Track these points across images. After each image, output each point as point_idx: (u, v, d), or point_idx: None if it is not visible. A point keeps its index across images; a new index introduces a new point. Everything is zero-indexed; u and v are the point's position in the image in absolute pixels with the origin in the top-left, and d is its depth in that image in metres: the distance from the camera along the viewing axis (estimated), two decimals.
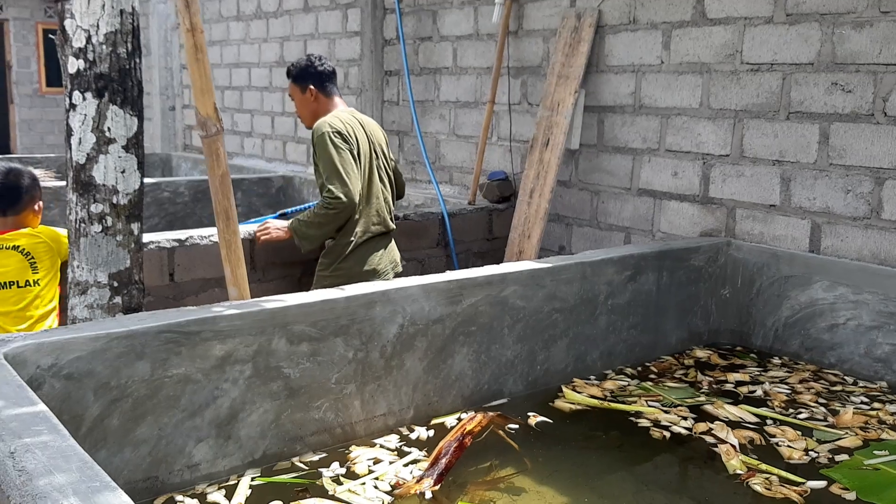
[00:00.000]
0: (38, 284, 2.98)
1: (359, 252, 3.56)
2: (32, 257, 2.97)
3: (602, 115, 4.44)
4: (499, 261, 4.61)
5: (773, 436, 2.82)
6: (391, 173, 3.79)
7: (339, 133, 3.46)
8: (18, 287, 2.94)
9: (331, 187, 3.40)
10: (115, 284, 2.52)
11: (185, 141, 8.99)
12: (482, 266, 3.16)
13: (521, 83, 4.92)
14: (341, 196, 3.39)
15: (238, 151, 7.91)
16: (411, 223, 4.41)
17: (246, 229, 3.60)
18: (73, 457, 1.46)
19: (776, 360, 3.57)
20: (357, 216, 3.53)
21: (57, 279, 3.05)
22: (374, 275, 3.57)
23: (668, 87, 4.10)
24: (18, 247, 2.96)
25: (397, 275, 3.73)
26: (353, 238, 3.53)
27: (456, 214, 4.64)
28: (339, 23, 6.41)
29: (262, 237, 3.58)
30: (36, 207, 3.12)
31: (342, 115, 3.59)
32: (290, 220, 3.54)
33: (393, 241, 3.78)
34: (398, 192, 3.93)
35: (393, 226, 3.75)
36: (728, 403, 3.06)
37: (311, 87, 3.66)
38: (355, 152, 3.50)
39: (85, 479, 1.38)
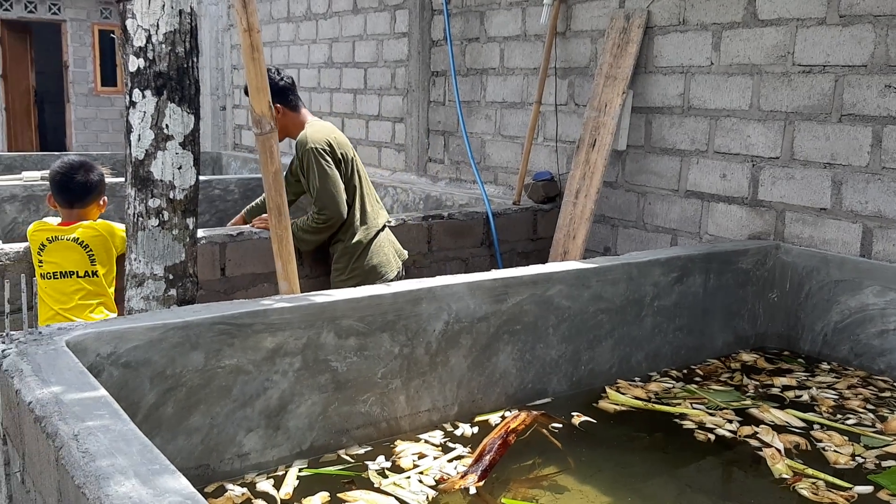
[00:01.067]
0: (97, 276, 3.08)
1: (368, 250, 3.70)
2: (90, 249, 3.07)
3: (650, 116, 4.42)
4: (543, 261, 4.62)
5: (820, 440, 2.79)
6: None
7: (325, 148, 3.57)
8: (78, 277, 3.05)
9: (320, 206, 3.57)
10: (171, 277, 2.59)
11: (235, 140, 9.15)
12: (526, 266, 3.17)
13: (568, 84, 4.92)
14: (330, 215, 3.57)
15: (285, 150, 8.02)
16: (456, 222, 4.44)
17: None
18: (134, 440, 1.51)
19: (824, 366, 3.52)
20: (359, 220, 3.68)
21: (113, 272, 3.14)
22: (386, 266, 3.75)
23: (717, 89, 4.06)
24: (78, 239, 3.07)
25: (404, 261, 3.91)
26: (361, 239, 3.67)
27: (501, 214, 4.66)
28: (388, 24, 6.47)
29: (259, 226, 3.73)
30: (101, 202, 3.23)
31: (322, 125, 3.70)
32: (292, 223, 3.63)
33: (388, 230, 3.90)
34: None
35: (386, 215, 3.90)
36: (774, 407, 3.03)
37: (277, 104, 3.62)
38: (343, 162, 3.64)
39: (145, 461, 1.43)
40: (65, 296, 3.04)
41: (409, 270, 4.22)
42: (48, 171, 4.75)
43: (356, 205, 3.69)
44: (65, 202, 3.16)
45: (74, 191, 3.15)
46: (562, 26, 4.91)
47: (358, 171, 3.73)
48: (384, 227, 3.84)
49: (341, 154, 3.64)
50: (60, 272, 3.04)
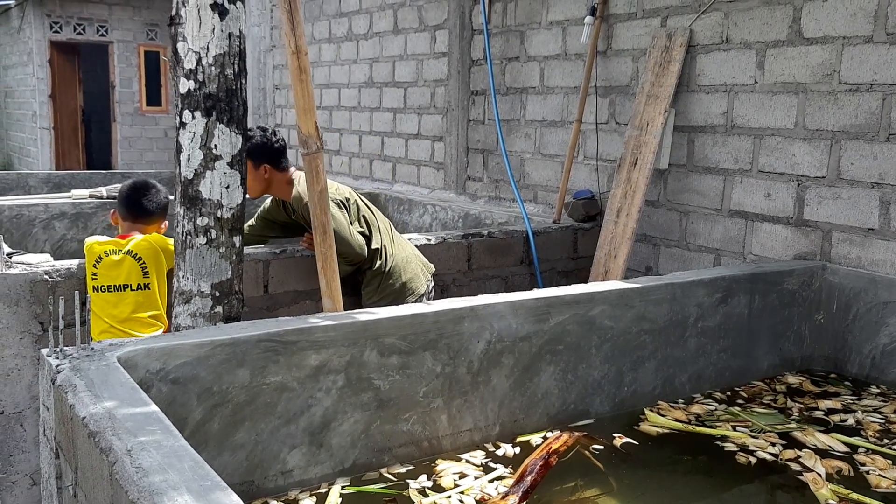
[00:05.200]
0: (149, 288, 3.15)
1: (396, 268, 3.73)
2: (144, 262, 3.15)
3: (692, 134, 4.39)
4: (583, 280, 4.60)
5: (863, 464, 2.73)
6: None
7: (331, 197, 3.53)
8: (131, 290, 3.12)
9: (341, 252, 3.49)
10: (217, 294, 2.64)
11: None
12: (566, 285, 3.16)
13: (609, 102, 4.91)
14: (352, 259, 3.58)
15: (326, 169, 8.09)
16: (495, 241, 4.45)
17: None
18: (186, 456, 1.54)
19: (873, 389, 3.44)
20: (381, 251, 3.71)
21: (164, 284, 3.21)
22: (415, 281, 3.78)
23: (761, 107, 4.03)
24: (132, 251, 3.15)
25: (433, 274, 3.95)
26: (388, 261, 3.71)
27: (541, 233, 4.65)
28: (428, 44, 6.53)
29: (304, 244, 3.75)
30: (162, 225, 3.38)
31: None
32: None
33: (409, 244, 3.94)
34: None
35: (401, 237, 3.94)
36: (819, 431, 2.97)
37: (266, 164, 3.62)
38: (343, 205, 3.64)
39: (197, 477, 1.45)
40: (118, 309, 3.10)
41: (449, 289, 4.22)
42: (98, 189, 4.89)
43: (373, 240, 3.70)
44: (130, 216, 3.30)
45: (144, 208, 3.30)
46: (602, 45, 4.91)
47: (367, 207, 3.78)
48: (404, 243, 3.87)
49: (339, 201, 3.62)
50: (114, 285, 3.11)
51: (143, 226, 3.29)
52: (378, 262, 3.70)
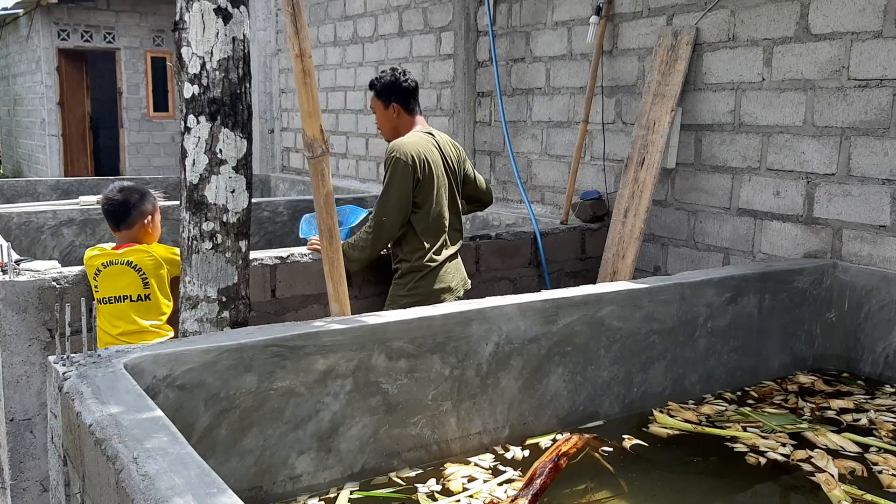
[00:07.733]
0: (149, 299, 3.13)
1: (436, 274, 3.61)
2: (143, 272, 3.13)
3: (699, 133, 4.36)
4: (591, 281, 4.58)
5: (876, 464, 2.70)
6: (460, 189, 3.83)
7: (407, 161, 3.49)
8: (131, 301, 3.10)
9: (378, 214, 3.53)
10: (224, 299, 2.63)
11: (283, 162, 9.27)
12: (574, 286, 3.14)
13: (616, 102, 4.89)
14: (380, 229, 3.52)
15: (333, 172, 8.09)
16: (503, 242, 4.43)
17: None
18: (192, 463, 1.53)
19: (887, 388, 3.41)
20: (429, 243, 3.59)
21: (168, 294, 3.19)
22: (447, 292, 3.64)
23: (769, 105, 4.00)
24: (131, 262, 3.13)
25: (466, 292, 3.78)
26: (431, 263, 3.59)
27: (548, 234, 4.63)
28: (433, 46, 6.52)
29: (311, 248, 3.71)
30: (145, 221, 3.29)
31: (419, 139, 3.61)
32: (343, 242, 3.59)
33: (460, 259, 3.82)
34: (485, 200, 4.05)
35: (460, 242, 3.81)
36: (831, 431, 2.94)
37: (395, 103, 3.68)
38: (424, 181, 3.55)
39: (203, 484, 1.44)
40: (119, 320, 3.09)
41: None
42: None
43: (430, 227, 3.59)
44: (112, 226, 3.30)
45: (116, 213, 3.26)
46: (608, 45, 4.89)
47: (442, 195, 3.63)
48: (456, 254, 3.74)
49: (424, 174, 3.54)
50: (114, 297, 3.10)
51: (128, 230, 3.25)
52: (422, 258, 3.57)
